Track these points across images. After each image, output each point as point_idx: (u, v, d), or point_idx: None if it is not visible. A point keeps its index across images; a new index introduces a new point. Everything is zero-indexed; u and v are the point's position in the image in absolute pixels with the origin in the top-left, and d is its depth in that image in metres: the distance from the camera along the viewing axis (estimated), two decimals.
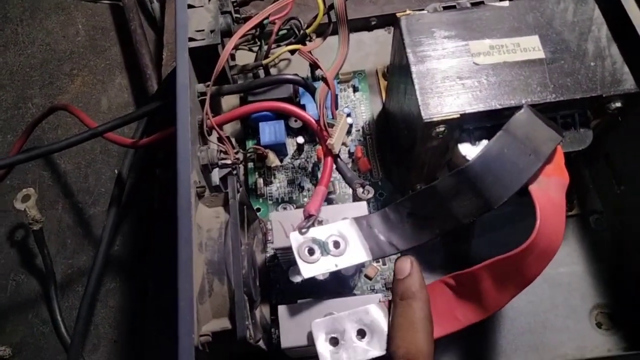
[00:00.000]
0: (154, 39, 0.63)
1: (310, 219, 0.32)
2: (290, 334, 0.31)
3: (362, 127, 0.46)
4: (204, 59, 0.38)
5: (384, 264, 0.40)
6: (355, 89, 0.48)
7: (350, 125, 0.45)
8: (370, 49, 0.52)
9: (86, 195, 0.55)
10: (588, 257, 0.42)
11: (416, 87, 0.34)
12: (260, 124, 0.43)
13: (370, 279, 0.40)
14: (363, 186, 0.39)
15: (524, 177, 0.29)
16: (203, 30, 0.38)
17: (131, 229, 0.52)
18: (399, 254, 0.33)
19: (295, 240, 0.31)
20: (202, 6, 0.39)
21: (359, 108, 0.47)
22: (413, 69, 0.35)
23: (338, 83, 0.48)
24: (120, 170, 0.48)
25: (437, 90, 0.34)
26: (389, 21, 0.53)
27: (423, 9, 0.38)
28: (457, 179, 0.30)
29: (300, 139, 0.44)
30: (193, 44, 0.37)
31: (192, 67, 0.38)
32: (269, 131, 0.43)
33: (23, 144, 0.56)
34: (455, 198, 0.30)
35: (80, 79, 0.62)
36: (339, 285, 0.38)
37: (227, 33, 0.39)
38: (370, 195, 0.40)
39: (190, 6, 0.39)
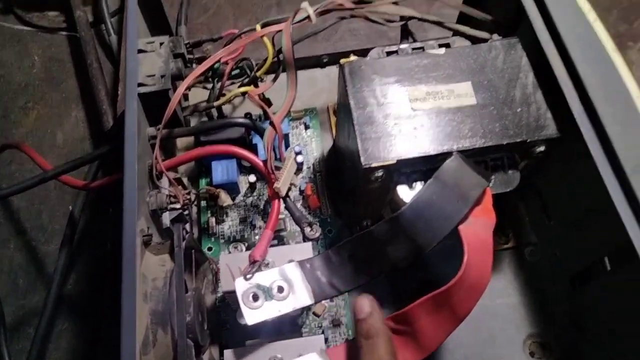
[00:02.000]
0: (111, 71, 0.63)
1: (255, 265, 0.33)
2: None
3: (313, 165, 0.48)
4: (155, 103, 0.39)
5: (331, 301, 0.42)
6: (306, 127, 0.50)
7: (301, 163, 0.47)
8: (322, 86, 0.54)
9: (39, 233, 0.55)
10: (523, 288, 0.44)
11: (357, 133, 0.36)
12: (213, 163, 0.44)
13: (318, 316, 0.41)
14: (310, 225, 0.41)
15: (452, 222, 0.31)
16: (154, 75, 0.39)
17: (85, 268, 0.52)
18: (341, 294, 0.35)
19: (240, 287, 0.32)
20: (153, 51, 0.40)
21: (310, 145, 0.49)
22: (354, 114, 0.37)
23: (290, 120, 0.50)
24: (72, 210, 0.48)
25: (376, 136, 0.36)
26: (340, 58, 0.55)
27: (369, 50, 0.41)
28: (391, 225, 0.32)
29: (252, 178, 0.45)
30: (143, 89, 0.38)
31: (142, 112, 0.39)
32: (221, 170, 0.44)
33: None
34: (390, 242, 0.32)
35: (36, 112, 0.62)
36: (287, 323, 0.39)
37: (178, 77, 0.40)
38: (318, 234, 0.41)
39: (141, 51, 0.40)
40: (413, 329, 0.31)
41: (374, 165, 0.35)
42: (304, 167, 0.48)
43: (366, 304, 0.31)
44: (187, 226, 0.42)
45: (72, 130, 0.61)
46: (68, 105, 0.62)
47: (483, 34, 0.43)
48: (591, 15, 0.39)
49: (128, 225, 0.31)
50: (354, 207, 0.44)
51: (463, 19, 0.48)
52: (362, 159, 0.35)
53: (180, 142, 0.49)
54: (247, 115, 0.48)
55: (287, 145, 0.48)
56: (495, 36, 0.41)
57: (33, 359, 0.43)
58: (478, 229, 0.33)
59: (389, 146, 0.36)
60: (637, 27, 0.59)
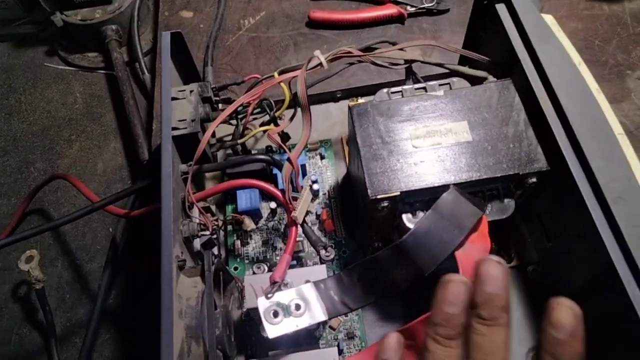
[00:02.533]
0: (145, 105, 0.69)
1: (275, 285, 0.38)
2: None
3: (328, 191, 0.53)
4: (186, 143, 0.44)
5: (346, 316, 0.46)
6: (322, 157, 0.54)
7: (317, 191, 0.51)
8: (336, 119, 0.59)
9: (83, 253, 0.61)
10: (526, 304, 0.47)
11: (364, 168, 0.41)
12: (238, 192, 0.49)
13: (333, 329, 0.45)
14: (325, 248, 0.46)
15: (449, 248, 0.36)
16: (185, 119, 0.44)
17: (124, 284, 0.58)
18: (352, 311, 0.39)
19: (262, 305, 0.37)
20: (184, 98, 0.45)
21: (325, 174, 0.54)
22: (361, 152, 0.42)
23: (307, 152, 0.55)
24: (114, 234, 0.53)
25: (381, 170, 0.41)
26: (353, 93, 0.60)
27: (379, 85, 0.45)
28: (393, 252, 0.36)
29: (273, 204, 0.50)
30: (176, 132, 0.43)
31: (175, 151, 0.44)
32: (245, 198, 0.49)
33: (25, 208, 0.62)
34: (394, 267, 0.36)
35: (78, 144, 0.68)
36: (306, 336, 0.44)
37: (206, 120, 0.46)
38: (332, 256, 0.46)
39: (174, 98, 0.45)
40: (417, 342, 0.35)
41: (379, 197, 0.40)
42: (320, 193, 0.52)
43: (391, 345, 0.30)
44: (215, 249, 0.47)
45: (111, 160, 0.67)
46: (107, 137, 0.68)
47: (481, 73, 0.47)
48: (576, 59, 0.43)
49: (166, 253, 0.36)
50: (366, 231, 0.49)
51: (463, 60, 0.53)
52: (369, 192, 0.40)
53: (210, 174, 0.55)
54: (268, 148, 0.53)
55: (304, 174, 0.52)
56: (491, 78, 0.46)
57: None
58: (473, 254, 0.37)
59: (393, 179, 0.40)
60: (634, 56, 0.62)
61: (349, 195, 0.53)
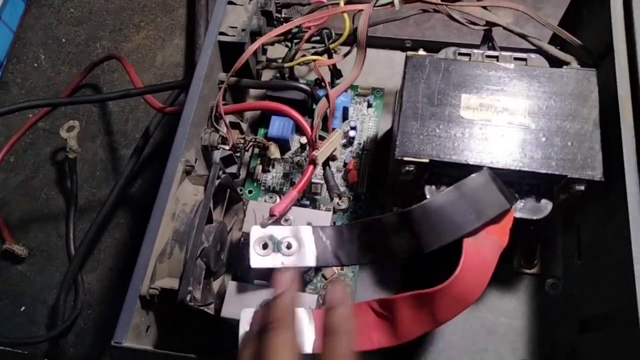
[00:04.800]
0: None
1: (272, 218, 0.37)
2: (231, 306, 0.36)
3: (364, 142, 0.50)
4: (231, 53, 0.43)
5: (342, 269, 0.45)
6: (369, 105, 0.51)
7: (353, 139, 0.49)
8: (399, 69, 0.54)
9: (122, 137, 0.62)
10: (531, 316, 0.44)
11: (400, 124, 0.38)
12: (273, 117, 0.48)
13: (326, 279, 0.44)
14: (340, 197, 0.44)
15: (458, 233, 0.33)
16: (236, 27, 0.42)
17: (150, 176, 0.59)
18: (341, 266, 0.37)
19: (255, 233, 0.36)
20: (242, 5, 0.43)
21: (367, 123, 0.51)
22: (403, 107, 0.38)
23: (355, 95, 0.52)
24: (148, 125, 0.54)
25: (417, 132, 0.37)
26: (424, 47, 0.55)
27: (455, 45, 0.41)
28: (399, 218, 0.34)
29: (304, 139, 0.48)
30: (223, 38, 0.42)
31: (219, 58, 0.43)
32: (278, 125, 0.47)
33: (82, 80, 0.64)
34: (395, 234, 0.34)
35: (145, 32, 0.69)
36: None
37: (257, 33, 0.44)
38: (345, 207, 0.44)
39: (231, 2, 0.43)
40: (393, 316, 0.33)
41: (406, 159, 0.37)
42: (355, 142, 0.50)
43: (339, 291, 0.29)
44: (235, 168, 0.46)
45: (171, 55, 0.67)
46: (173, 32, 0.68)
47: (567, 57, 0.42)
48: None
49: (175, 152, 0.35)
50: (388, 193, 0.46)
51: (554, 40, 0.46)
52: (396, 151, 0.37)
53: (254, 94, 0.53)
54: (317, 80, 0.51)
55: (345, 118, 0.50)
56: (574, 64, 0.40)
57: (90, 236, 0.50)
58: (484, 246, 0.33)
59: (426, 145, 0.37)
60: None
61: (385, 152, 0.50)
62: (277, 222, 0.38)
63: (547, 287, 0.45)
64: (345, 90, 0.50)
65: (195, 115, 0.38)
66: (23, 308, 0.53)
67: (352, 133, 0.48)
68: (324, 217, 0.39)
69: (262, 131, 0.51)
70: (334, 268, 0.45)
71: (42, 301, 0.54)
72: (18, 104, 0.49)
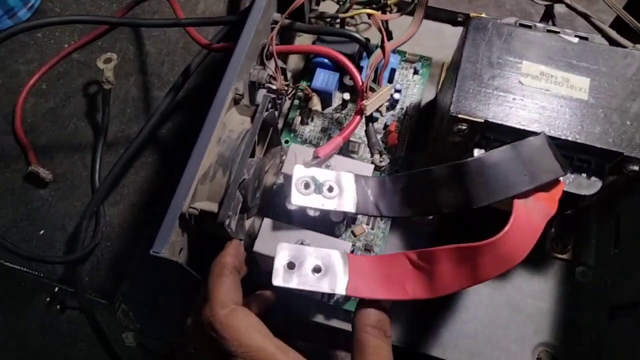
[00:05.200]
0: None
1: (315, 160, 0.36)
2: (265, 242, 0.36)
3: (407, 107, 0.49)
4: None
5: (372, 228, 0.44)
6: (415, 71, 0.50)
7: (396, 101, 0.48)
8: (447, 42, 0.54)
9: (156, 79, 0.61)
10: (558, 300, 0.43)
11: (457, 82, 0.37)
12: (318, 69, 0.47)
13: (355, 235, 0.44)
14: (381, 154, 0.43)
15: (509, 192, 0.32)
16: None
17: (183, 118, 0.58)
18: (380, 217, 0.36)
19: (298, 172, 0.35)
20: None
21: (411, 89, 0.50)
22: (462, 65, 0.37)
23: (403, 60, 0.51)
24: (190, 63, 0.53)
25: (474, 92, 0.36)
26: None
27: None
28: (451, 170, 0.33)
29: (347, 95, 0.47)
30: None
31: None
32: (323, 78, 0.46)
33: (122, 16, 0.63)
34: (444, 187, 0.33)
35: None
36: (325, 228, 0.42)
37: None
38: (384, 164, 0.43)
39: None
40: (432, 269, 0.33)
41: (460, 116, 0.36)
42: (398, 106, 0.49)
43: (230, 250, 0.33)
44: (276, 114, 0.46)
45: (213, 5, 0.66)
46: None
47: (626, 42, 0.41)
48: None
49: (227, 79, 0.35)
50: (430, 159, 0.45)
51: (615, 25, 0.45)
52: (452, 107, 0.36)
53: (299, 43, 0.52)
54: (367, 40, 0.50)
55: (390, 80, 0.49)
56: (638, 46, 0.39)
57: (116, 171, 0.50)
58: (533, 210, 0.33)
59: (483, 105, 0.36)
60: None
61: (426, 122, 0.49)
62: (319, 165, 0.37)
63: (578, 274, 0.44)
64: (394, 51, 0.49)
65: (250, 48, 0.37)
66: (42, 232, 0.53)
67: (396, 95, 0.47)
68: (366, 168, 0.38)
69: (303, 83, 0.50)
70: (364, 226, 0.44)
71: (61, 227, 0.53)
72: (59, 16, 0.49)
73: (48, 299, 0.64)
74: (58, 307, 0.62)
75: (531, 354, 0.42)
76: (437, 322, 0.43)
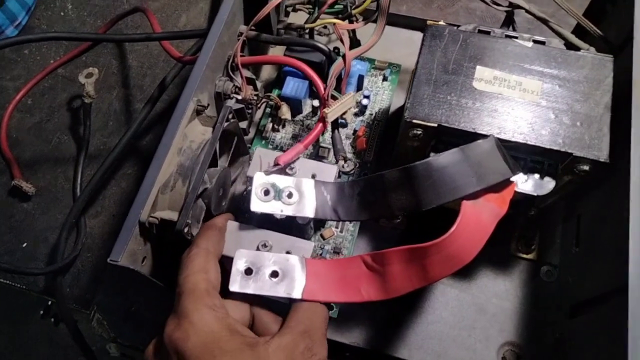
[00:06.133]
0: None
1: (276, 167, 0.37)
2: (228, 244, 0.37)
3: (375, 113, 0.50)
4: (254, 6, 0.43)
5: (341, 231, 0.45)
6: (385, 78, 0.52)
7: (365, 107, 0.49)
8: (417, 49, 0.55)
9: (138, 92, 0.63)
10: (523, 299, 0.44)
11: (413, 88, 0.38)
12: (288, 77, 0.48)
13: (324, 238, 0.45)
14: (345, 160, 0.44)
15: (458, 193, 0.33)
16: None
17: (163, 130, 0.59)
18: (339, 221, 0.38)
19: (258, 179, 0.37)
20: None
21: (380, 96, 0.51)
22: (418, 72, 0.39)
23: (372, 67, 0.52)
24: (166, 75, 0.54)
25: (428, 97, 0.38)
26: None
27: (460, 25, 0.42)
28: (401, 174, 0.34)
29: (316, 102, 0.48)
30: None
31: (242, 8, 0.43)
32: (292, 86, 0.48)
33: (106, 31, 0.65)
34: (395, 190, 0.34)
35: None
36: (296, 230, 0.43)
37: None
38: (349, 169, 0.44)
39: None
40: (384, 271, 0.34)
41: (415, 121, 0.37)
42: (367, 112, 0.50)
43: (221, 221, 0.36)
44: (245, 123, 0.47)
45: (195, 18, 0.67)
46: None
47: (584, 45, 0.42)
48: None
49: (188, 90, 0.36)
50: (393, 163, 0.46)
51: (576, 32, 0.46)
52: (406, 113, 0.37)
53: (272, 53, 0.54)
54: (335, 49, 0.51)
55: (359, 88, 0.50)
56: (592, 49, 0.40)
57: (96, 179, 0.51)
58: (482, 211, 0.34)
59: (436, 110, 0.37)
60: None
61: (395, 128, 0.50)
62: (281, 171, 0.38)
63: (543, 273, 0.45)
64: (362, 59, 0.50)
65: (212, 59, 0.38)
66: (25, 244, 0.54)
67: (365, 101, 0.49)
68: (328, 169, 0.39)
69: (275, 92, 0.51)
70: (333, 229, 0.45)
71: (43, 240, 0.54)
72: (40, 34, 0.51)
73: (42, 312, 0.65)
74: (52, 319, 0.63)
75: (496, 354, 0.42)
76: (403, 323, 0.43)
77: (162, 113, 0.60)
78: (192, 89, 0.36)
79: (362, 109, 0.49)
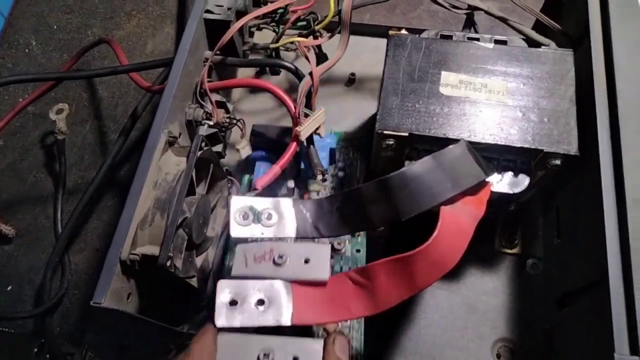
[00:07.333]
0: None
1: (254, 192, 0.37)
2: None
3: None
4: (217, 31, 0.43)
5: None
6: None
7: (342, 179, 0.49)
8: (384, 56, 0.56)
9: (111, 122, 0.63)
10: (512, 294, 0.44)
11: (381, 100, 0.38)
12: (257, 162, 0.46)
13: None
14: (323, 174, 0.44)
15: (434, 200, 0.33)
16: (222, 6, 0.43)
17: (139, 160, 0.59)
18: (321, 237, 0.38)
19: (235, 203, 0.36)
20: None
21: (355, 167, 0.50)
22: (384, 83, 0.39)
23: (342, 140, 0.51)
24: (137, 105, 0.54)
25: (397, 107, 0.38)
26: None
27: (423, 31, 0.42)
28: (378, 186, 0.34)
29: (292, 184, 0.46)
30: (209, 16, 0.42)
31: (205, 36, 0.43)
32: (263, 172, 0.44)
33: (73, 64, 0.64)
34: (373, 203, 0.34)
35: (136, 20, 0.69)
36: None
37: (243, 13, 0.44)
38: (327, 182, 0.45)
39: None
40: (372, 285, 0.34)
41: (386, 132, 0.37)
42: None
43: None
44: (220, 147, 0.47)
45: (161, 44, 0.67)
46: (164, 20, 0.69)
47: (546, 41, 0.42)
48: None
49: (157, 122, 0.36)
50: (371, 173, 0.47)
51: (536, 28, 0.47)
52: (377, 125, 0.38)
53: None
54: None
55: (332, 161, 0.49)
56: (552, 45, 0.41)
57: (77, 214, 0.51)
58: (461, 214, 0.34)
59: (406, 119, 0.38)
60: None
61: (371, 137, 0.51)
62: (272, 265, 0.37)
63: (528, 267, 0.45)
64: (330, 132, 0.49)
65: (179, 88, 0.38)
66: (10, 287, 0.54)
67: (340, 174, 0.48)
68: (320, 250, 0.36)
69: (246, 178, 0.49)
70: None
71: (28, 281, 0.54)
72: (5, 77, 0.50)
73: (36, 350, 0.64)
74: (47, 356, 0.62)
75: (491, 351, 0.43)
76: (397, 330, 0.44)
77: (138, 141, 0.60)
78: (161, 121, 0.36)
79: (340, 182, 0.49)
